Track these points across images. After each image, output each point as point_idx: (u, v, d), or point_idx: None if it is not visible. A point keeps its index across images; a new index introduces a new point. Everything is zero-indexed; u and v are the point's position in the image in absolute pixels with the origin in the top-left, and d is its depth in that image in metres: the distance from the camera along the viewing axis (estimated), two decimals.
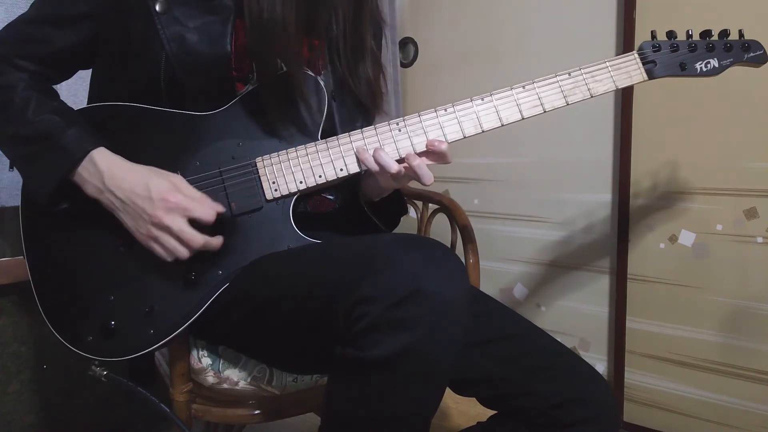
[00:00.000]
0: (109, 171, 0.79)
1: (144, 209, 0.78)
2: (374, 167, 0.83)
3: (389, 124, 0.85)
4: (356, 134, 0.86)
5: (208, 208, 0.79)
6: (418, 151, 0.85)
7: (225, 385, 0.91)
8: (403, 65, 1.95)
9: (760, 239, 1.33)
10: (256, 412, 0.94)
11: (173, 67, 0.83)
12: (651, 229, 1.48)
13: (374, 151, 0.83)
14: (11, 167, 0.85)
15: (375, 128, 0.86)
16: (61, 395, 1.42)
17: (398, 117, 0.87)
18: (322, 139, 0.87)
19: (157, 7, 0.82)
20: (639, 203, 1.50)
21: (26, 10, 0.87)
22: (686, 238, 1.43)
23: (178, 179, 0.80)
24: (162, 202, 0.77)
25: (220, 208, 0.81)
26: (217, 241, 0.81)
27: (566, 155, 1.62)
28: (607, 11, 1.52)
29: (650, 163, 1.47)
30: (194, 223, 0.79)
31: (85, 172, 0.80)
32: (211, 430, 1.14)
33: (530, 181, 1.70)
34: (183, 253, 0.79)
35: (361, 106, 0.96)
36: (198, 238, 0.78)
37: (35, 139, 0.80)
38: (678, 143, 1.42)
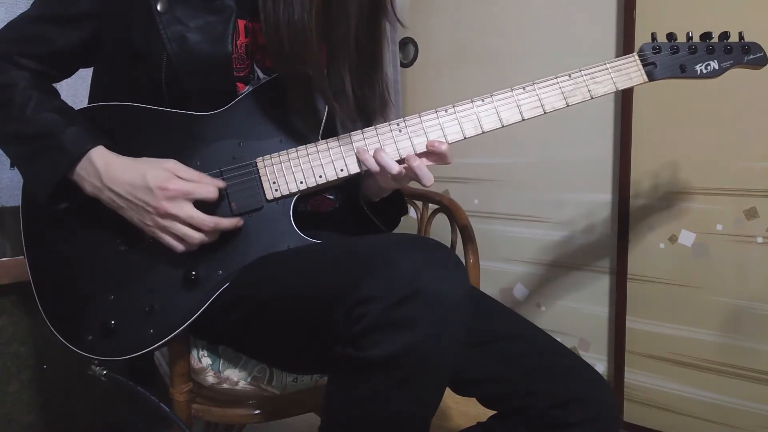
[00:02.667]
0: (106, 169, 0.79)
1: (147, 202, 0.78)
2: (375, 168, 0.83)
3: (390, 125, 0.85)
4: (357, 134, 0.86)
5: (209, 186, 0.80)
6: (418, 152, 0.85)
7: (225, 385, 0.91)
8: (403, 65, 1.95)
9: (760, 239, 1.33)
10: (256, 412, 0.94)
11: (174, 67, 0.82)
12: (651, 229, 1.48)
13: (375, 151, 0.83)
14: (12, 166, 0.85)
15: (375, 129, 0.86)
16: (61, 395, 1.42)
17: (398, 117, 0.86)
18: (322, 139, 0.87)
19: (159, 7, 0.82)
20: (639, 203, 1.50)
21: (27, 9, 0.87)
22: (686, 238, 1.43)
23: (172, 164, 0.80)
24: (162, 192, 0.77)
25: (220, 183, 0.82)
26: (228, 221, 0.81)
27: (566, 155, 1.62)
28: (606, 12, 1.51)
29: (650, 163, 1.47)
30: (199, 205, 0.79)
31: (83, 171, 0.80)
32: (211, 430, 1.14)
33: (530, 181, 1.70)
34: (195, 237, 0.79)
35: (364, 108, 0.95)
36: (208, 220, 0.79)
37: (35, 138, 0.80)
38: (678, 143, 1.42)
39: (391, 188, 0.91)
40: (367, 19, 0.89)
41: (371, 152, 0.84)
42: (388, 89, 0.94)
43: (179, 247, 0.80)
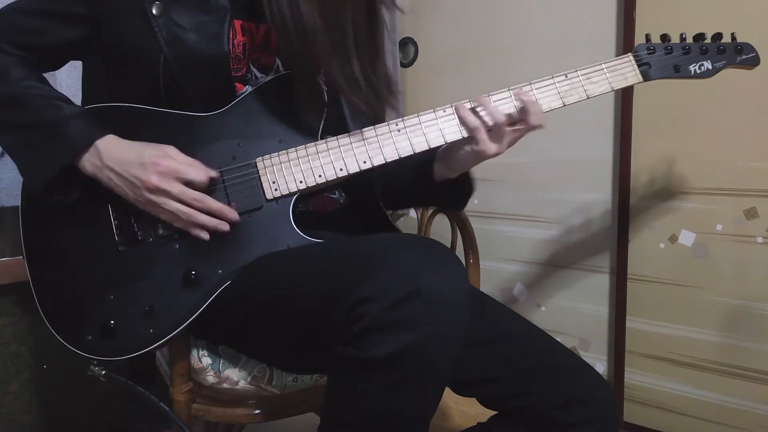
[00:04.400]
0: (106, 149, 0.80)
1: (137, 176, 0.78)
2: (488, 124, 0.82)
3: (388, 125, 0.86)
4: (356, 134, 0.86)
5: (200, 171, 0.80)
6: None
7: (225, 385, 0.91)
8: (403, 65, 1.95)
9: (760, 239, 1.33)
10: (256, 411, 0.94)
11: (172, 69, 0.82)
12: (651, 229, 1.48)
13: (477, 102, 0.82)
14: (1, 154, 0.85)
15: (375, 129, 0.86)
16: (61, 395, 1.42)
17: (398, 117, 0.86)
18: (325, 137, 0.87)
19: (154, 10, 0.82)
20: (639, 203, 1.50)
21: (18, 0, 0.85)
22: (686, 238, 1.43)
23: (169, 148, 0.81)
24: (153, 167, 0.78)
25: (213, 173, 0.82)
26: (217, 203, 0.81)
27: (566, 155, 1.62)
28: (606, 12, 1.52)
29: (650, 163, 1.47)
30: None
31: (86, 154, 0.81)
32: (211, 430, 1.14)
33: (530, 181, 1.70)
34: (187, 213, 0.80)
35: (371, 101, 0.92)
36: (198, 196, 0.79)
37: (35, 126, 0.80)
38: (678, 143, 1.42)
39: (469, 166, 0.91)
40: (364, 8, 0.88)
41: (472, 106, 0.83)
42: (390, 77, 0.94)
43: (175, 223, 0.81)
